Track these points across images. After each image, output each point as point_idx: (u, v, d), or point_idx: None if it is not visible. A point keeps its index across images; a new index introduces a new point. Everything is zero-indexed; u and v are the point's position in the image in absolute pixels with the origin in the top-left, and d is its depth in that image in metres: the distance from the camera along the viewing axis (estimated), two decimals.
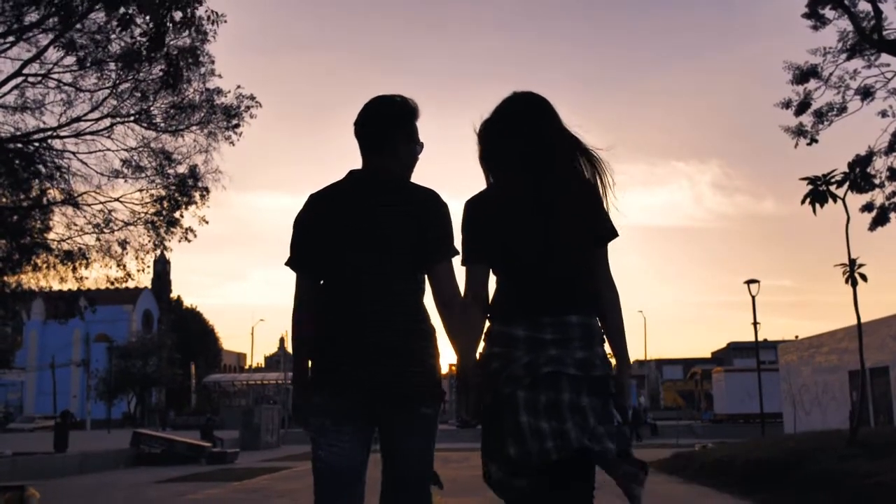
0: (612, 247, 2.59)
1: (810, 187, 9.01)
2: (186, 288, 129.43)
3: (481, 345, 2.52)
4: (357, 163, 2.65)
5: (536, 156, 2.52)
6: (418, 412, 2.46)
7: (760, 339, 28.35)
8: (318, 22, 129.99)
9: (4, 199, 16.39)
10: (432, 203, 2.55)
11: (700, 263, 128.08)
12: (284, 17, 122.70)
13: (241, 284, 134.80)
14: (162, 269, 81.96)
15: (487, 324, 2.53)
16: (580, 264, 2.49)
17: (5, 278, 16.99)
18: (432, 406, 2.50)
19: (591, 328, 2.49)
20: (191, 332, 74.38)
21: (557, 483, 2.42)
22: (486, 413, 2.44)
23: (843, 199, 9.21)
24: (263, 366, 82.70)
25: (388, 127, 2.57)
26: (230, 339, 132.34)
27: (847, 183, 9.19)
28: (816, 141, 14.41)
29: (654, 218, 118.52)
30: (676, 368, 71.71)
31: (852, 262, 9.35)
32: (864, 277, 9.34)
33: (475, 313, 2.48)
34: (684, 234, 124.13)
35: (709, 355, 72.86)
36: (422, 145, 2.65)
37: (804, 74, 14.29)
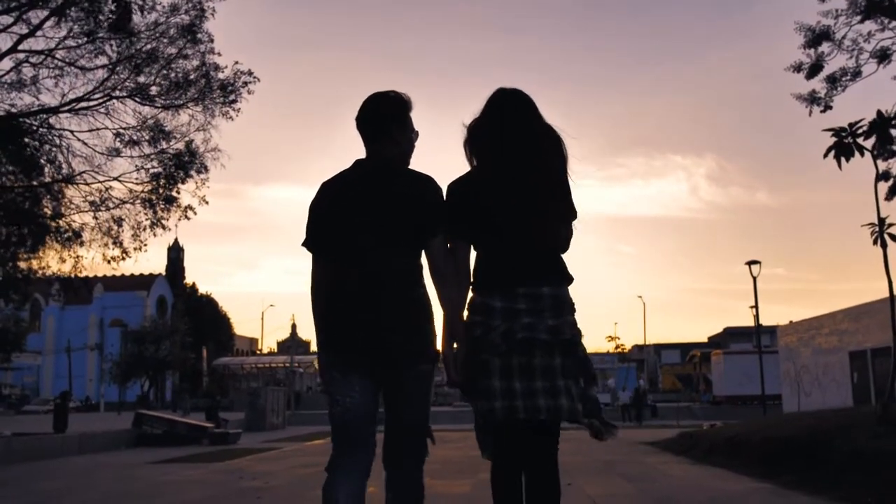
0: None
1: (834, 140, 8.18)
2: (202, 276, 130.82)
3: (465, 313, 2.80)
4: (362, 154, 2.90)
5: (519, 144, 2.79)
6: (415, 370, 2.74)
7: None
8: (331, 20, 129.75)
9: (17, 185, 16.08)
10: (428, 186, 2.82)
11: (695, 252, 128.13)
12: (298, 15, 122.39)
13: (254, 273, 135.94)
14: (176, 257, 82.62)
15: (470, 294, 2.81)
16: (551, 241, 2.79)
17: (18, 263, 16.74)
18: (427, 364, 2.77)
19: (562, 298, 2.78)
20: (205, 317, 74.58)
21: (521, 437, 2.72)
22: (470, 375, 2.74)
23: (872, 152, 8.38)
24: (276, 351, 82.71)
25: (384, 119, 2.83)
26: (243, 325, 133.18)
27: (875, 134, 8.27)
28: (830, 108, 13.85)
29: (651, 208, 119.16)
30: (674, 353, 72.36)
31: (881, 220, 8.54)
32: (893, 238, 8.53)
33: (461, 284, 2.79)
34: (680, 224, 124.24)
35: (705, 340, 72.78)
36: (417, 133, 2.91)
37: (817, 37, 13.66)
